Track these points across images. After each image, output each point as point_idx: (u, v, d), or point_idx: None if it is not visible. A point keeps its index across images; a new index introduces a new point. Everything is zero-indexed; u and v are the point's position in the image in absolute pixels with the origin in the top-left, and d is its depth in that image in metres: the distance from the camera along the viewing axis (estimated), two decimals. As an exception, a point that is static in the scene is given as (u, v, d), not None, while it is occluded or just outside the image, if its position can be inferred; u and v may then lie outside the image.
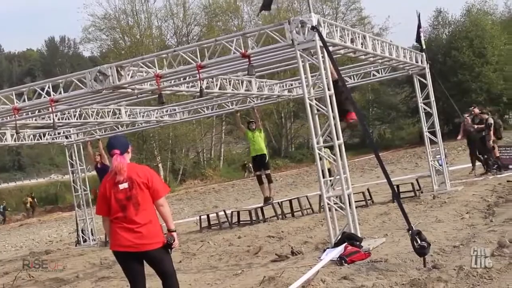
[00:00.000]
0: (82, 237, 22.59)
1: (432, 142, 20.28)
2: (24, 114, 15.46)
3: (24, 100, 14.58)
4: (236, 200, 33.90)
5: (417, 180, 20.24)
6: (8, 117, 15.55)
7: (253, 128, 19.52)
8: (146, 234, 7.26)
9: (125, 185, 7.31)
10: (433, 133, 20.07)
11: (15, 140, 20.77)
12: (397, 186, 18.10)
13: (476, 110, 23.83)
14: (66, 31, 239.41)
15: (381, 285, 8.70)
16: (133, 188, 7.29)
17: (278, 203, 20.52)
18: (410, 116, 71.69)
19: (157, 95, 13.95)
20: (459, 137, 25.19)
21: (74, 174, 23.13)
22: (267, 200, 19.61)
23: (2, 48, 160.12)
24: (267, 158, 19.89)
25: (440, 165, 20.06)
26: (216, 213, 21.47)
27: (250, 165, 64.92)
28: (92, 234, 22.55)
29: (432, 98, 19.88)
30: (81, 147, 22.89)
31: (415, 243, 9.60)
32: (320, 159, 12.10)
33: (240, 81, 17.51)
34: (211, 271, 12.32)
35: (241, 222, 20.01)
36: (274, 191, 20.57)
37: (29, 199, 64.97)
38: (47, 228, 39.31)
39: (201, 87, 13.80)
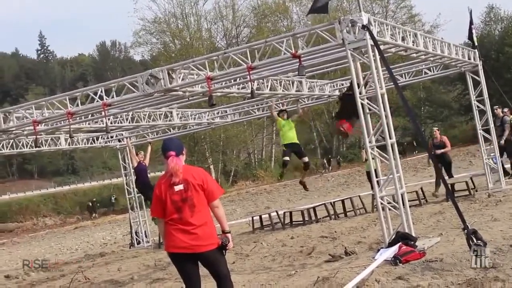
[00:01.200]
0: (136, 239, 22.84)
1: (486, 140, 20.02)
2: (78, 118, 15.63)
3: (77, 105, 14.80)
4: (288, 201, 33.92)
5: (471, 178, 19.96)
6: (62, 122, 15.77)
7: (284, 117, 18.32)
8: (201, 236, 7.25)
9: (180, 187, 7.28)
10: (487, 130, 19.81)
11: (69, 144, 21.11)
12: (451, 184, 17.90)
13: (497, 111, 21.71)
14: (117, 35, 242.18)
15: (436, 285, 8.60)
16: (188, 190, 7.26)
17: (331, 203, 20.47)
18: (463, 114, 70.71)
19: (207, 97, 13.98)
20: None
21: (127, 177, 23.37)
22: (303, 184, 18.74)
23: (55, 54, 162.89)
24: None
25: (495, 163, 19.79)
26: (268, 213, 21.48)
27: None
28: (146, 236, 22.77)
29: (486, 95, 19.61)
30: (134, 149, 23.07)
31: (471, 242, 9.48)
32: (373, 158, 12.05)
33: (290, 81, 17.49)
34: (264, 272, 12.31)
35: (293, 223, 20.01)
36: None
37: None
38: (101, 231, 39.83)
39: (252, 88, 13.82)
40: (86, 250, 26.59)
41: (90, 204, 68.12)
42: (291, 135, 17.33)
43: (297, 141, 17.90)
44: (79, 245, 30.99)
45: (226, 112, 22.55)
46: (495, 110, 21.45)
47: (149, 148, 21.61)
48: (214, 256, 7.38)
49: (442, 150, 20.27)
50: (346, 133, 13.55)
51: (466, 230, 9.77)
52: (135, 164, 20.52)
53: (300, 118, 19.33)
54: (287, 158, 17.63)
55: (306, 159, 17.75)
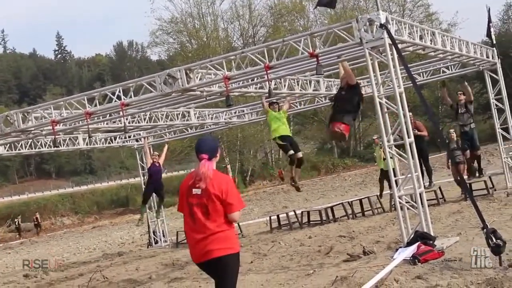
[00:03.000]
0: (154, 238, 22.87)
1: (505, 139, 19.93)
2: (96, 118, 15.67)
3: (95, 105, 14.82)
4: (305, 200, 33.87)
5: (490, 177, 19.85)
6: (81, 122, 15.82)
7: (276, 110, 15.96)
8: (213, 240, 6.80)
9: (198, 191, 6.87)
10: (506, 129, 19.72)
11: (87, 144, 21.19)
12: (470, 184, 17.81)
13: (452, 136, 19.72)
14: (133, 35, 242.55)
15: (456, 284, 8.57)
16: (204, 197, 6.84)
17: (349, 202, 20.44)
18: (480, 113, 70.22)
19: (225, 97, 13.94)
20: None
21: (145, 177, 23.36)
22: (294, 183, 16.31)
23: (72, 54, 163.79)
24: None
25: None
26: (286, 213, 21.51)
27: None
28: (163, 236, 22.80)
29: (504, 93, 19.53)
30: (151, 149, 22.98)
31: (490, 242, 9.43)
32: (391, 157, 12.03)
33: (308, 81, 17.46)
34: (282, 271, 12.31)
35: (311, 222, 20.00)
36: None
37: None
38: (119, 230, 39.96)
39: (269, 88, 13.81)
40: (104, 249, 26.66)
41: None
42: (284, 128, 15.76)
43: (290, 134, 16.33)
44: (97, 244, 31.08)
45: (244, 111, 22.55)
46: (451, 134, 19.71)
47: (165, 148, 21.51)
48: (225, 263, 6.85)
49: (419, 133, 18.20)
50: (344, 135, 12.98)
51: (485, 229, 9.72)
52: (149, 165, 20.36)
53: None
54: (291, 151, 15.67)
55: (300, 154, 15.99)
